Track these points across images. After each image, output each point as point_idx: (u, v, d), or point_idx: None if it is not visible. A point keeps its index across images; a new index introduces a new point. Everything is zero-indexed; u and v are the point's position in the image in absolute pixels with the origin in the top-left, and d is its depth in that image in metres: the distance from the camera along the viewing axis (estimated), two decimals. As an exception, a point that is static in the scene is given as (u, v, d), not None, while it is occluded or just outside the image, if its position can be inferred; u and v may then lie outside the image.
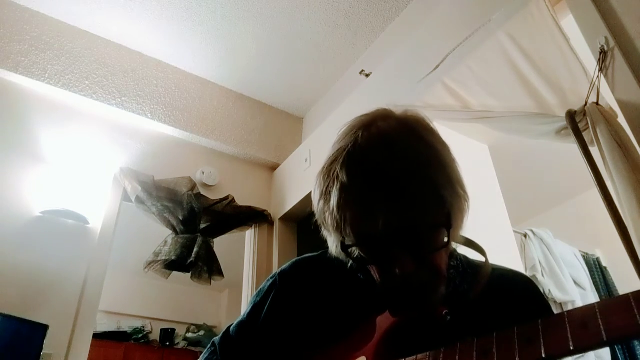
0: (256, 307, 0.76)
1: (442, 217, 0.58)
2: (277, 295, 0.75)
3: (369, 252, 0.60)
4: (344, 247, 0.61)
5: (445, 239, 0.59)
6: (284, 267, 0.80)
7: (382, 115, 0.64)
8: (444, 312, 0.57)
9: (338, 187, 0.58)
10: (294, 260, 0.80)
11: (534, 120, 1.63)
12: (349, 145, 0.61)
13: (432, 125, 0.65)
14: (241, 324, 0.77)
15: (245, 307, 0.84)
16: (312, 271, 0.76)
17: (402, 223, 0.56)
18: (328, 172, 0.61)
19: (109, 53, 2.67)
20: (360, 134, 0.61)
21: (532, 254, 2.72)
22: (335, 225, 0.60)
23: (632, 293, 0.37)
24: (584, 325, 0.38)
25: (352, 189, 0.58)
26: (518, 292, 0.71)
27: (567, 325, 0.39)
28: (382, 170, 0.57)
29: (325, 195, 0.61)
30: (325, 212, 0.61)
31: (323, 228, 0.65)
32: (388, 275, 0.59)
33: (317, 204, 0.64)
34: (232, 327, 0.78)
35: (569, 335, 0.39)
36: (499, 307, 0.66)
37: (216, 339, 0.79)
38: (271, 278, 0.79)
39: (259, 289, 0.79)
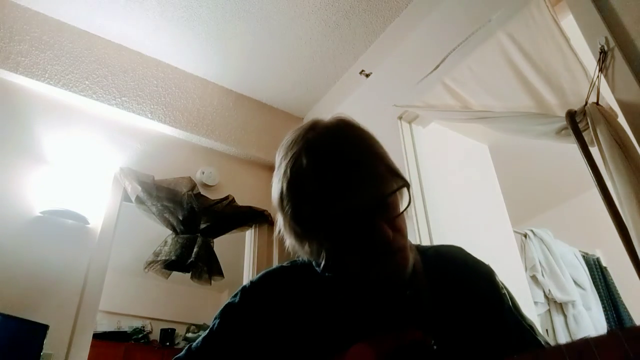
0: (222, 322, 0.74)
1: (400, 181, 0.68)
2: (243, 309, 0.73)
3: (352, 227, 0.64)
4: (331, 228, 0.64)
5: (407, 199, 0.68)
6: (252, 279, 0.79)
7: (315, 121, 0.74)
8: (432, 342, 0.59)
9: (307, 173, 0.66)
10: (264, 271, 0.80)
11: (534, 120, 1.63)
12: (303, 144, 0.69)
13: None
14: (206, 339, 0.74)
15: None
16: (282, 282, 0.75)
17: (374, 196, 0.64)
18: (291, 165, 0.68)
19: (109, 53, 2.67)
20: (310, 135, 0.70)
21: (532, 254, 2.72)
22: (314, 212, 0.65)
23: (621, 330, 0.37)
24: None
25: (316, 175, 0.65)
26: (462, 265, 0.78)
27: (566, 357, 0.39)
28: (342, 155, 0.66)
29: (298, 185, 0.67)
30: (301, 201, 0.67)
31: (293, 227, 0.69)
32: (370, 248, 0.64)
33: (290, 198, 0.68)
34: (194, 345, 0.75)
35: None
36: (453, 283, 0.73)
37: (180, 355, 0.75)
38: (238, 291, 0.77)
39: (225, 302, 0.77)
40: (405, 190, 0.69)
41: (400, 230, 0.67)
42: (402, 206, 0.69)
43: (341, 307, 0.69)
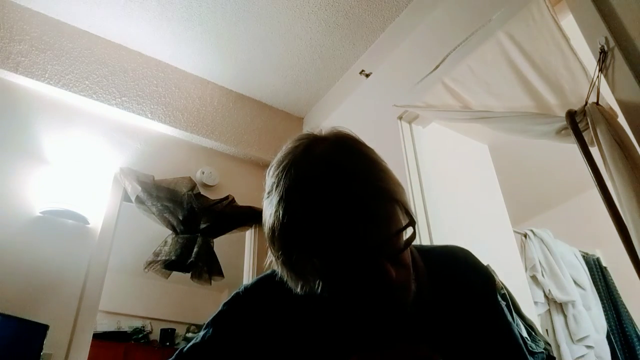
0: (213, 332, 0.72)
1: (406, 218, 0.61)
2: (235, 320, 0.72)
3: (352, 270, 0.59)
4: (333, 264, 0.59)
5: (411, 233, 0.61)
6: (247, 284, 0.76)
7: (310, 140, 0.65)
8: None
9: (301, 221, 0.58)
10: (259, 277, 0.77)
11: (534, 120, 1.63)
12: (296, 178, 0.60)
13: (358, 137, 0.67)
14: (195, 346, 0.72)
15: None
16: (277, 290, 0.70)
17: (378, 239, 0.58)
18: (288, 202, 0.60)
19: (109, 53, 2.67)
20: (304, 166, 0.61)
21: (532, 254, 2.72)
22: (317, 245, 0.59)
23: None
24: None
25: (314, 219, 0.58)
26: (462, 269, 0.76)
27: None
28: (341, 198, 0.57)
29: (295, 221, 0.59)
30: (294, 251, 0.60)
31: (293, 262, 0.62)
32: (372, 290, 0.60)
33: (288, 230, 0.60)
34: (185, 349, 0.73)
35: None
36: (453, 289, 0.72)
37: (170, 359, 0.74)
38: (231, 299, 0.75)
39: (218, 309, 0.75)
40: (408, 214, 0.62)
41: (405, 265, 0.62)
42: (406, 234, 0.62)
43: (339, 320, 0.67)
